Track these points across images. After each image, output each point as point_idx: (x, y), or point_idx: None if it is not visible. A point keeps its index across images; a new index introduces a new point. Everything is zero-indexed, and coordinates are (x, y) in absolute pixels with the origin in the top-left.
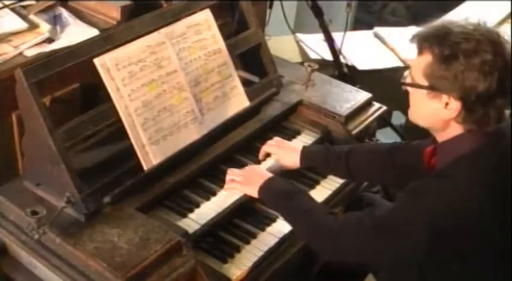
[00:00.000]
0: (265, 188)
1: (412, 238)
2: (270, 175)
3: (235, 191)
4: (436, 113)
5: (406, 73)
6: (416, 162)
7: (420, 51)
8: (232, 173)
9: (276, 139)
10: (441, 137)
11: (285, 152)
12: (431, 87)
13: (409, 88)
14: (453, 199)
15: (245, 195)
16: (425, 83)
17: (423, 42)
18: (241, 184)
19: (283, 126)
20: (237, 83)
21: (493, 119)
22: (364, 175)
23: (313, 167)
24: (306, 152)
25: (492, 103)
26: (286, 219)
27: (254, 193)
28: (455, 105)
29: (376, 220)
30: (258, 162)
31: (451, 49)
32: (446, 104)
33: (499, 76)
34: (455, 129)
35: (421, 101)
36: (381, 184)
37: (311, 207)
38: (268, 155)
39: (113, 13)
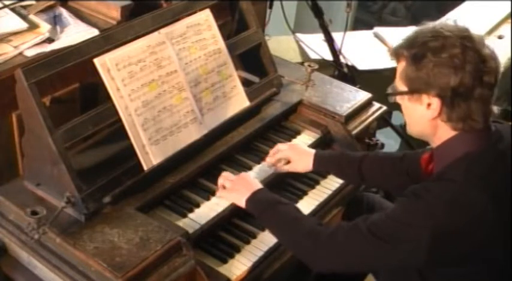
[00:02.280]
0: (251, 200)
1: (412, 241)
2: (259, 186)
3: (224, 199)
4: (422, 116)
5: (391, 85)
6: (418, 169)
7: (397, 61)
8: (223, 178)
9: (285, 144)
10: (435, 142)
11: (298, 155)
12: (411, 91)
13: (399, 101)
14: (453, 201)
15: None
16: (404, 88)
17: (397, 50)
18: (228, 192)
19: (283, 126)
20: (237, 83)
21: (476, 114)
22: (376, 181)
23: (324, 171)
24: (319, 156)
25: (471, 96)
26: (273, 229)
27: (241, 204)
28: (436, 103)
29: (372, 225)
30: (258, 162)
31: (419, 49)
32: (429, 104)
33: (473, 69)
34: (446, 131)
35: (408, 108)
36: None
37: (300, 216)
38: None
39: (113, 13)
